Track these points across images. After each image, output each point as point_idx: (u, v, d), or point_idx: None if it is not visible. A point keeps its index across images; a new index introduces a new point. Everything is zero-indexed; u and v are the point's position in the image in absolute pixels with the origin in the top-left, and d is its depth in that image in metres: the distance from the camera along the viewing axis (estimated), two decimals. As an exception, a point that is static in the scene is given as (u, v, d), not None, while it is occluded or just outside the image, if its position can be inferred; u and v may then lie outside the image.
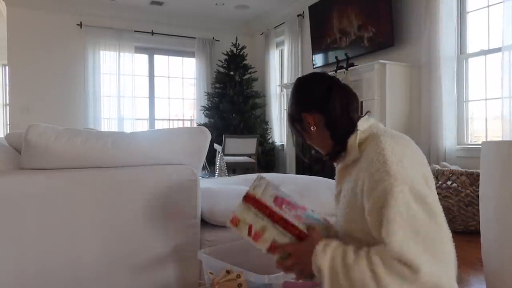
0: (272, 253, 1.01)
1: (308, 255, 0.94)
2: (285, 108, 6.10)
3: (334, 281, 0.90)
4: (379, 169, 0.89)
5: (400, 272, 0.83)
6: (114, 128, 6.26)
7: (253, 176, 2.49)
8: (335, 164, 1.14)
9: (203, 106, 6.54)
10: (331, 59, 5.12)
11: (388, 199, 0.86)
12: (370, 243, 0.91)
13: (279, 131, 6.55)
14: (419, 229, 0.85)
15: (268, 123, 6.64)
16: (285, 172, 6.08)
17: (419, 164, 0.94)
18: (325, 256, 0.91)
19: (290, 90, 1.17)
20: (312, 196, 1.88)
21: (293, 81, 5.74)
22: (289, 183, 2.07)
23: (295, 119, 1.12)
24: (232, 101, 6.17)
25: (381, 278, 0.84)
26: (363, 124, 1.01)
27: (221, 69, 6.49)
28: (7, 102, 6.19)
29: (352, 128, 1.01)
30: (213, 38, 6.92)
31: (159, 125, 6.87)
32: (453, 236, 0.93)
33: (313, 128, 1.07)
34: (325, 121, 1.05)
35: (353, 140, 1.00)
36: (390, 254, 0.83)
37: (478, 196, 2.40)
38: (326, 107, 1.04)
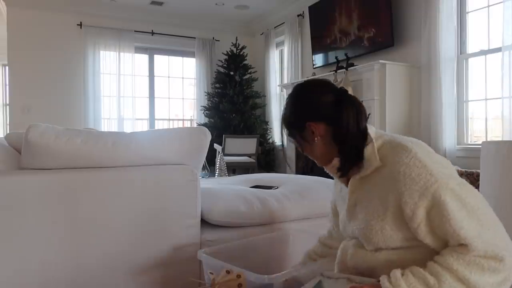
0: None
1: None
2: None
3: None
4: (420, 173, 0.89)
5: (490, 268, 0.82)
6: (114, 128, 6.26)
7: (253, 176, 2.49)
8: (333, 175, 1.10)
9: (203, 106, 6.54)
10: (331, 59, 5.12)
11: (444, 201, 0.86)
12: (402, 248, 0.93)
13: (279, 131, 6.52)
14: (481, 218, 0.86)
15: (268, 123, 6.64)
16: (285, 172, 6.08)
17: (440, 157, 0.97)
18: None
19: (291, 90, 1.11)
20: (312, 196, 1.88)
21: (293, 81, 5.77)
22: (289, 183, 2.07)
23: (294, 126, 1.07)
24: (232, 101, 6.17)
25: (477, 285, 0.82)
26: (371, 133, 1.01)
27: (221, 69, 6.49)
28: (7, 102, 6.19)
29: (362, 141, 0.99)
30: (213, 38, 6.92)
31: (159, 125, 6.87)
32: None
33: (317, 139, 1.03)
34: (333, 133, 1.02)
35: (371, 150, 0.98)
36: (475, 254, 0.83)
37: (478, 196, 2.39)
38: (338, 121, 1.00)
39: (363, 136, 1.00)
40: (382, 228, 0.95)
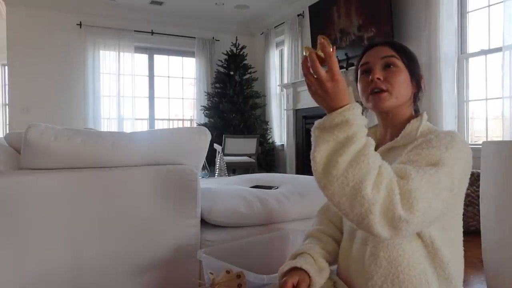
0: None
1: (339, 99, 0.81)
2: (285, 108, 6.10)
3: (339, 149, 0.81)
4: (442, 140, 0.90)
5: (383, 208, 0.77)
6: (114, 128, 6.25)
7: (253, 176, 2.48)
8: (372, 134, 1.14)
9: (203, 106, 6.54)
10: (331, 59, 5.12)
11: (439, 163, 0.85)
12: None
13: (279, 131, 6.55)
14: (441, 196, 0.82)
15: (268, 123, 6.64)
16: (285, 172, 6.08)
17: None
18: (358, 116, 0.80)
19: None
20: (312, 196, 1.88)
21: (293, 81, 5.76)
22: (289, 183, 2.07)
23: (415, 64, 1.14)
24: (232, 101, 6.17)
25: (377, 196, 0.77)
26: (424, 117, 1.06)
27: (221, 69, 6.49)
28: (7, 102, 6.19)
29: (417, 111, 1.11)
30: (213, 38, 6.92)
31: (159, 125, 6.87)
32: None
33: (422, 83, 1.13)
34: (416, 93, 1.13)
35: (417, 124, 1.01)
36: (404, 187, 0.78)
37: (478, 196, 2.40)
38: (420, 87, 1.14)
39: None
40: None
